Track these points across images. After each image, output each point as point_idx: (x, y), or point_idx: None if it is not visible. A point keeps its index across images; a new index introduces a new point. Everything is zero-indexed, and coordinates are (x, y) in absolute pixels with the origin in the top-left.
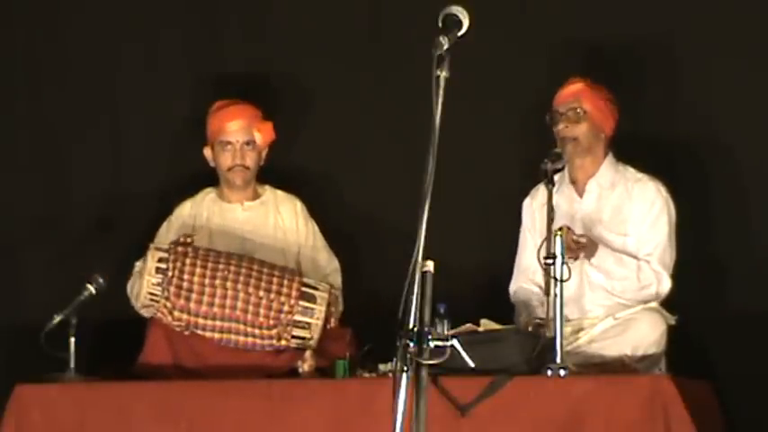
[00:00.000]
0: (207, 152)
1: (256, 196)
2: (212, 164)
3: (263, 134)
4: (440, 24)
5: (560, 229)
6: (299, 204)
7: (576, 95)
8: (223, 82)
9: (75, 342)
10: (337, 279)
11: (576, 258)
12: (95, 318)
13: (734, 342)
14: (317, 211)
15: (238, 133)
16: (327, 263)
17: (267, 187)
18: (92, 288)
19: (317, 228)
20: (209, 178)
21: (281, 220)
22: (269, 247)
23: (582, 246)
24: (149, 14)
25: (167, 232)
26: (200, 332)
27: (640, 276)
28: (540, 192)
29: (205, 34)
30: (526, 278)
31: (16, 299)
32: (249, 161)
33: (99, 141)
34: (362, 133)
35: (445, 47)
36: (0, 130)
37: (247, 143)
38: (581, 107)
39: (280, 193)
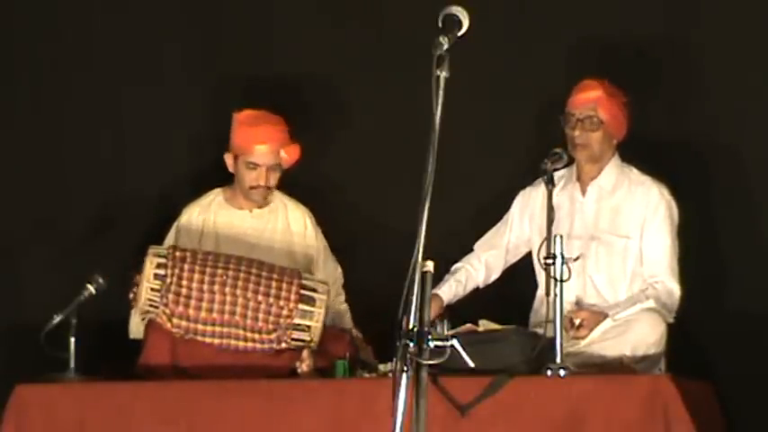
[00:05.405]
0: (228, 159)
1: (265, 203)
2: (231, 170)
3: (290, 156)
4: (440, 24)
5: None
6: (308, 214)
7: (593, 103)
8: (224, 84)
9: (75, 342)
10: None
11: (582, 337)
12: (95, 318)
13: (734, 342)
14: (316, 212)
15: (266, 156)
16: (332, 273)
17: (277, 193)
18: (92, 288)
19: (324, 238)
20: (210, 178)
21: (289, 229)
22: (276, 255)
23: (584, 327)
24: (152, 13)
25: (175, 239)
26: (199, 338)
27: (651, 298)
28: (542, 188)
29: (207, 35)
30: (487, 253)
31: (16, 299)
32: (272, 182)
33: (99, 141)
34: (362, 133)
35: (445, 47)
36: (0, 131)
37: (274, 167)
38: (597, 116)
39: (289, 201)
